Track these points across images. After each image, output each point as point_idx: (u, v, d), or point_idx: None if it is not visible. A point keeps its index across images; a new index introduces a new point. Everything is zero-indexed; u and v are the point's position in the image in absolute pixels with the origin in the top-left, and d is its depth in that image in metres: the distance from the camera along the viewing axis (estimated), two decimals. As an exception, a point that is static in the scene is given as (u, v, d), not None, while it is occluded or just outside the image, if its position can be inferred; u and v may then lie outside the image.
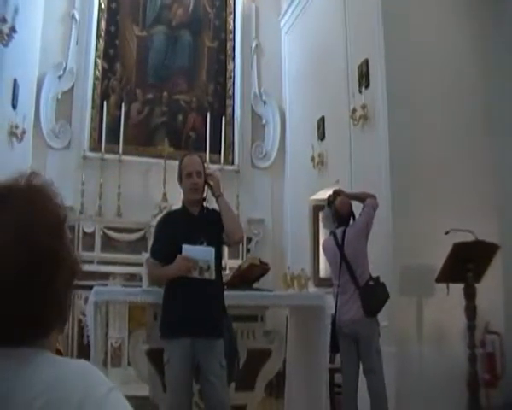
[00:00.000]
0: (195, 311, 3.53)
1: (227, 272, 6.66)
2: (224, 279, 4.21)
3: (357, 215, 4.93)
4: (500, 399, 5.42)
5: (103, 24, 8.87)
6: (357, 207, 5.00)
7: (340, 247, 4.77)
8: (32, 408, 0.85)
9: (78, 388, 0.88)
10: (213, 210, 3.88)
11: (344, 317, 4.66)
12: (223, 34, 9.58)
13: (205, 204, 3.94)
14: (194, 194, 3.77)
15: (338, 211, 4.96)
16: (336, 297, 4.77)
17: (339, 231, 4.87)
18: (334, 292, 4.81)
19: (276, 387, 5.93)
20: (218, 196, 3.81)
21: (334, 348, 4.77)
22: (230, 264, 7.48)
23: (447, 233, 4.93)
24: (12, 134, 6.87)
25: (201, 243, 3.62)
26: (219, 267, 3.87)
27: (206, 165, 4.44)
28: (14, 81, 6.79)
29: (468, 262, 4.95)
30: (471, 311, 4.98)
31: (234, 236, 3.78)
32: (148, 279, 4.21)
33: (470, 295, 4.98)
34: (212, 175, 3.95)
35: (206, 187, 3.85)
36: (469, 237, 4.97)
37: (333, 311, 4.78)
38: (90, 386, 0.89)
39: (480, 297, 5.01)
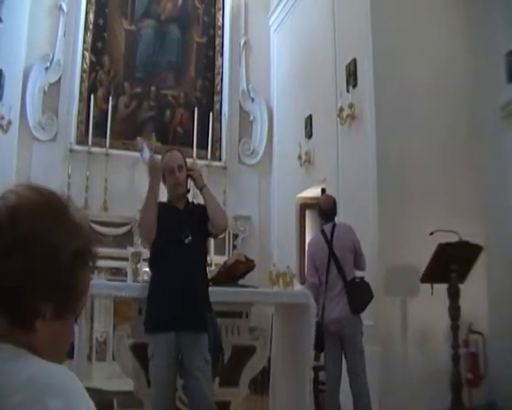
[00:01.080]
0: (180, 305, 3.52)
1: (212, 267, 6.65)
2: (210, 275, 4.20)
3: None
4: (483, 398, 5.46)
5: (91, 16, 8.79)
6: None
7: (329, 242, 4.79)
8: (5, 405, 0.81)
9: (62, 395, 0.84)
10: (199, 205, 3.89)
11: (330, 315, 4.69)
12: (211, 30, 9.54)
13: (190, 198, 3.94)
14: (178, 189, 3.77)
15: (321, 208, 5.03)
16: (323, 295, 4.77)
17: (327, 227, 4.90)
18: (321, 290, 4.82)
19: (261, 384, 5.93)
20: (201, 188, 3.81)
21: (319, 346, 4.79)
22: (216, 260, 7.46)
23: (432, 234, 4.96)
24: (-3, 125, 6.83)
25: (187, 237, 3.62)
26: (205, 263, 3.88)
27: (192, 160, 4.41)
28: (0, 71, 6.72)
29: (452, 263, 4.98)
30: (454, 311, 5.02)
31: (218, 224, 3.76)
32: (141, 231, 4.00)
33: (454, 295, 5.02)
34: (193, 169, 3.95)
35: (189, 180, 3.86)
36: (454, 238, 5.00)
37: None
38: (73, 402, 0.85)
39: (463, 298, 5.05)
